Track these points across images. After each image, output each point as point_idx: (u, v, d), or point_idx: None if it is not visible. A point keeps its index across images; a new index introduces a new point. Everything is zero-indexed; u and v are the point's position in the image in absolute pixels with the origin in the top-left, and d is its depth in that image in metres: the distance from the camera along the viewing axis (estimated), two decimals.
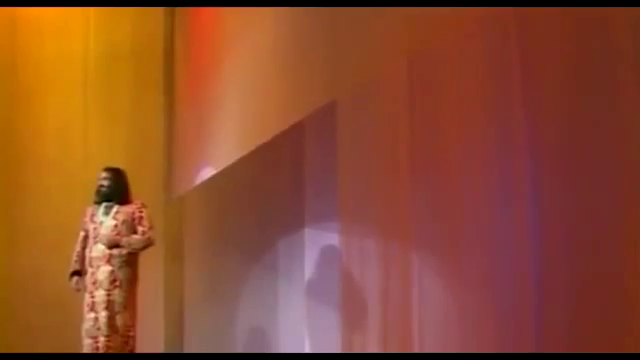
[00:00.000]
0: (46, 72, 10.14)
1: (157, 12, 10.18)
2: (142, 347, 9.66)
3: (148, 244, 8.12)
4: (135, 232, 8.06)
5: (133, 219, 8.08)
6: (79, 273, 8.07)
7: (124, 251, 7.98)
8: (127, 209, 8.12)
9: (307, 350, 9.04)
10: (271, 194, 9.48)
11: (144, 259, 9.84)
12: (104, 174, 8.28)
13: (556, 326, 4.02)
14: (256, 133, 7.55)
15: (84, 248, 8.08)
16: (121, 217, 8.06)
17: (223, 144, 8.44)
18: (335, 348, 8.86)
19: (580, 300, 3.77)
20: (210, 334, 9.81)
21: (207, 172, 8.91)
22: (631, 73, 3.41)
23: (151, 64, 10.19)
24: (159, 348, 9.86)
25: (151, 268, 9.93)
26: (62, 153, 10.00)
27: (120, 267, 7.95)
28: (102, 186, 8.19)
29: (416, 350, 5.96)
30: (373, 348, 8.05)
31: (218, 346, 9.72)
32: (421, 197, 5.05)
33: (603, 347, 3.64)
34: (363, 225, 6.21)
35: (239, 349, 9.63)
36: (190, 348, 9.90)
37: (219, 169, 8.60)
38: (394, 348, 6.93)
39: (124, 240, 7.99)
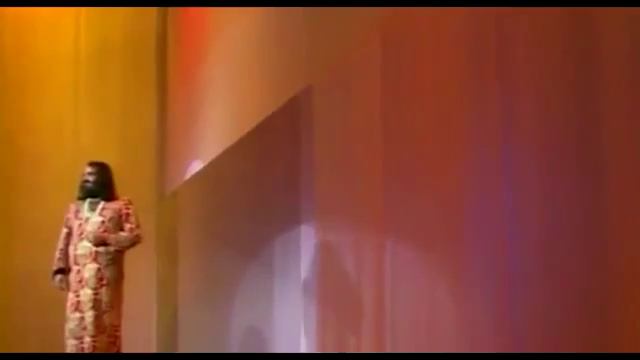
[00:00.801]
0: (37, 70, 9.89)
1: (149, 9, 9.94)
2: (134, 347, 9.39)
3: (136, 242, 7.78)
4: (122, 229, 7.71)
5: (120, 216, 7.73)
6: (63, 271, 7.73)
7: (111, 249, 7.61)
8: (114, 205, 7.78)
9: (303, 349, 8.85)
10: (265, 188, 9.24)
11: (136, 257, 9.57)
12: (89, 169, 7.93)
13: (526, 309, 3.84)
14: (240, 123, 7.27)
15: (67, 245, 7.68)
16: (108, 214, 7.72)
17: (210, 137, 8.17)
18: (331, 347, 8.62)
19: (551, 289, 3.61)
20: (205, 333, 9.52)
21: (196, 166, 8.63)
22: (611, 67, 3.19)
23: (143, 61, 9.95)
24: (151, 348, 9.58)
25: (143, 266, 9.69)
26: (54, 151, 9.72)
27: (107, 265, 7.59)
28: (87, 181, 7.84)
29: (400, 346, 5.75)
30: (366, 345, 7.86)
31: (213, 346, 9.44)
32: (395, 187, 4.80)
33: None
34: (338, 217, 5.91)
35: (234, 349, 9.36)
36: (184, 348, 9.62)
37: (206, 162, 8.33)
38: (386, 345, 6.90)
39: (112, 237, 7.64)
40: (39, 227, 9.62)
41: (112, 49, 9.91)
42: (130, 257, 9.49)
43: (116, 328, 7.62)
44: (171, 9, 9.71)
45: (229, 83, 7.67)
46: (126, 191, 9.58)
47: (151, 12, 9.92)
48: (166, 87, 9.84)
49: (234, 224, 9.41)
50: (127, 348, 9.27)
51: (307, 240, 8.97)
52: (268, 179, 9.23)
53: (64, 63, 9.87)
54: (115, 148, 9.73)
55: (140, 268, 9.64)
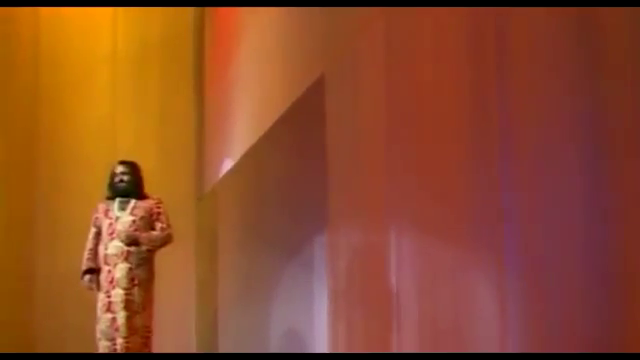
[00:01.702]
0: (75, 71, 9.73)
1: (186, 8, 9.76)
2: (173, 348, 9.20)
3: (167, 241, 7.53)
4: (153, 228, 7.50)
5: (151, 215, 7.50)
6: (92, 271, 7.51)
7: (143, 248, 7.38)
8: (145, 204, 7.54)
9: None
10: (303, 185, 9.06)
11: (175, 257, 9.40)
12: (121, 168, 7.69)
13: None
14: (265, 118, 7.06)
15: (97, 245, 7.42)
16: (139, 213, 7.49)
17: (240, 134, 7.97)
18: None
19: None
20: (245, 333, 9.31)
21: (228, 164, 8.43)
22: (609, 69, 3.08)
23: (180, 60, 9.74)
24: (191, 349, 9.38)
25: (182, 267, 9.50)
26: (94, 151, 9.51)
27: (138, 265, 7.35)
28: (122, 181, 7.61)
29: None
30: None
31: (253, 346, 9.23)
32: (399, 178, 4.58)
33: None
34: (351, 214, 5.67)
35: (274, 349, 9.16)
36: (225, 348, 9.40)
37: (236, 159, 8.14)
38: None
39: (144, 236, 7.40)
40: (80, 227, 9.46)
41: (150, 49, 9.70)
42: (169, 258, 9.33)
43: (148, 329, 7.39)
44: (208, 8, 9.51)
45: (254, 78, 7.46)
46: (164, 191, 9.40)
47: (188, 11, 9.72)
48: (203, 86, 9.63)
49: (274, 223, 9.20)
50: (167, 349, 9.08)
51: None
52: (304, 175, 9.04)
53: (102, 64, 9.68)
54: (153, 148, 9.54)
55: (179, 269, 9.47)
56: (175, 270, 9.36)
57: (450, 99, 4.07)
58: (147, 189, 8.67)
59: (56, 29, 9.78)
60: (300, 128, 7.75)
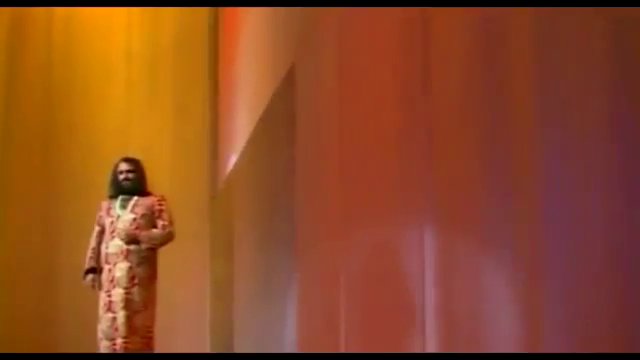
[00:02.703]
0: (91, 71, 9.60)
1: (201, 10, 9.59)
2: (187, 348, 9.03)
3: (168, 239, 7.29)
4: (155, 226, 7.32)
5: (153, 212, 7.27)
6: (95, 270, 7.33)
7: (143, 247, 7.17)
8: (146, 202, 7.32)
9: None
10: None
11: (190, 256, 9.23)
12: (125, 166, 7.46)
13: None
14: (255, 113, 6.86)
15: (99, 244, 7.23)
16: (140, 210, 7.28)
17: (240, 130, 7.79)
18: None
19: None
20: (261, 333, 9.09)
21: (232, 161, 8.23)
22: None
23: (194, 60, 9.56)
24: (205, 348, 9.17)
25: (197, 266, 9.32)
26: (109, 150, 9.36)
27: (139, 264, 7.13)
28: (127, 179, 7.41)
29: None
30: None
31: (269, 345, 9.01)
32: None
33: None
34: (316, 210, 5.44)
35: (289, 349, 8.95)
36: (240, 348, 9.20)
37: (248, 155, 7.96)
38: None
39: (143, 235, 7.19)
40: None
41: (164, 49, 9.53)
42: (183, 257, 9.18)
43: (149, 329, 7.16)
44: (221, 8, 9.33)
45: (246, 73, 7.29)
46: (179, 189, 9.25)
47: (202, 11, 9.54)
48: (217, 85, 9.45)
49: (288, 221, 8.97)
50: (180, 348, 8.91)
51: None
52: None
53: (116, 64, 9.54)
54: (167, 147, 9.39)
55: (194, 267, 9.29)
56: (189, 269, 9.19)
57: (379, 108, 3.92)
58: (161, 187, 8.51)
59: (70, 30, 9.66)
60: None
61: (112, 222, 7.23)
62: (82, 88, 9.58)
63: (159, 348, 8.21)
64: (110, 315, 7.10)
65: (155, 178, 8.89)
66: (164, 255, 7.83)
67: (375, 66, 4.21)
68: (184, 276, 9.17)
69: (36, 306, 9.37)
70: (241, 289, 9.24)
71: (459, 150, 3.67)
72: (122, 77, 9.59)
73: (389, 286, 5.80)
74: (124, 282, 7.09)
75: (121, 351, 7.06)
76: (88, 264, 7.30)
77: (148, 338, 7.16)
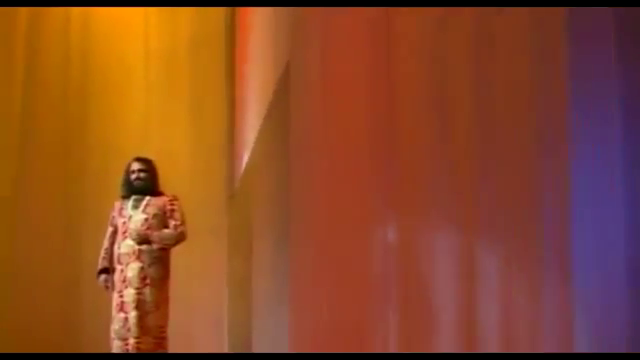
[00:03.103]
0: (108, 71, 9.60)
1: (217, 9, 9.56)
2: (205, 348, 9.00)
3: (180, 239, 7.26)
4: (166, 226, 7.30)
5: (164, 212, 7.24)
6: (107, 271, 7.28)
7: (155, 247, 7.15)
8: (158, 202, 7.29)
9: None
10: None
11: (208, 255, 9.21)
12: (138, 165, 7.43)
13: None
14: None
15: (112, 244, 7.19)
16: (152, 210, 7.25)
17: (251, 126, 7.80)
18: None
19: None
20: (280, 332, 9.04)
21: (245, 157, 8.22)
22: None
23: (212, 60, 9.54)
24: (223, 348, 9.14)
25: (215, 265, 9.29)
26: (126, 151, 9.36)
27: (150, 264, 7.10)
28: (139, 179, 7.36)
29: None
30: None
31: (287, 345, 8.96)
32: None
33: None
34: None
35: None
36: (259, 348, 9.16)
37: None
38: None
39: (155, 235, 7.16)
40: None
41: (181, 48, 9.53)
42: (202, 256, 9.17)
43: (162, 329, 7.12)
44: (237, 7, 9.30)
45: (255, 72, 7.27)
46: (197, 190, 9.25)
47: (219, 11, 9.51)
48: (233, 84, 9.43)
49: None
50: (198, 348, 8.89)
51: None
52: None
53: (134, 64, 9.52)
54: (185, 146, 9.38)
55: (212, 267, 9.26)
56: (208, 268, 9.17)
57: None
58: (180, 186, 8.50)
59: (88, 30, 9.66)
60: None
61: (124, 222, 7.22)
62: (100, 88, 9.59)
63: (176, 348, 8.18)
64: (122, 315, 7.08)
65: (173, 177, 8.91)
66: (182, 254, 7.84)
67: (350, 64, 4.22)
68: (202, 275, 9.16)
69: (58, 308, 9.38)
70: (260, 288, 9.21)
71: (419, 146, 3.65)
72: (140, 77, 9.59)
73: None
74: (136, 282, 7.07)
75: (133, 351, 7.03)
76: (101, 264, 7.30)
77: (161, 338, 7.13)
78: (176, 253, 7.36)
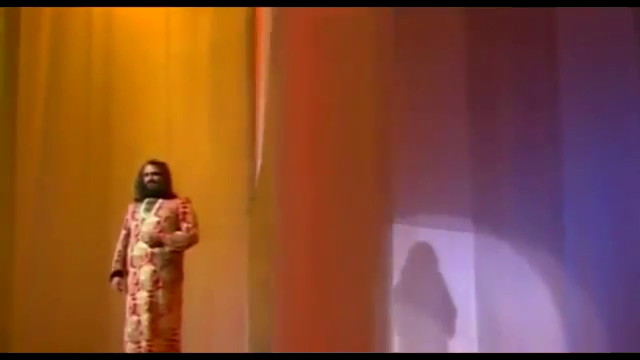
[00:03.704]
0: (130, 73, 9.57)
1: (238, 11, 9.49)
2: (226, 350, 8.92)
3: (192, 242, 7.22)
4: (179, 229, 7.27)
5: (177, 215, 7.21)
6: (120, 274, 7.28)
7: (167, 249, 7.14)
8: (170, 204, 7.28)
9: (396, 349, 8.35)
10: (354, 183, 8.71)
11: (229, 258, 9.13)
12: (151, 168, 7.43)
13: None
14: None
15: (126, 247, 7.20)
16: (164, 213, 7.24)
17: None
18: (425, 347, 8.10)
19: None
20: None
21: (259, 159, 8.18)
22: None
23: (233, 62, 9.48)
24: (244, 350, 9.06)
25: (236, 267, 9.21)
26: (148, 153, 9.34)
27: (163, 267, 7.09)
28: (152, 181, 7.36)
29: None
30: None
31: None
32: None
33: None
34: None
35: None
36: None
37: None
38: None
39: (167, 238, 7.14)
40: None
41: (202, 51, 9.46)
42: (223, 259, 9.11)
43: (174, 332, 7.10)
44: (257, 8, 9.21)
45: (263, 72, 7.22)
46: (218, 192, 9.19)
47: (239, 13, 9.45)
48: (255, 86, 9.35)
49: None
50: (220, 350, 8.83)
51: (400, 240, 8.41)
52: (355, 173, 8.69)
53: (155, 66, 9.49)
54: (207, 149, 9.33)
55: (233, 270, 9.19)
56: (229, 271, 9.10)
57: None
58: (200, 190, 8.46)
59: (110, 33, 9.66)
60: None
61: (137, 225, 7.23)
62: (123, 89, 9.57)
63: (197, 350, 8.15)
64: (135, 318, 7.08)
65: (195, 178, 8.87)
66: (202, 257, 7.79)
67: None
68: (224, 278, 9.09)
69: (85, 310, 9.35)
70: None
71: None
72: (162, 78, 9.56)
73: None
74: (148, 285, 7.07)
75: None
76: (114, 267, 7.32)
77: (174, 341, 7.11)
78: (184, 256, 7.32)
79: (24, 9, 9.60)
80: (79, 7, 9.65)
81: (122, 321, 9.11)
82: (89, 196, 9.50)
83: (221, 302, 9.08)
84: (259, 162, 8.23)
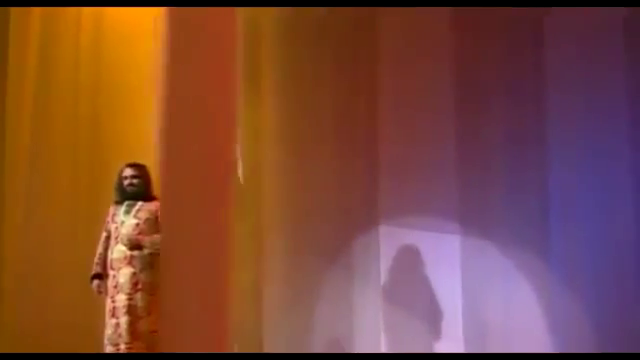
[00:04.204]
0: (119, 73, 9.55)
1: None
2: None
3: None
4: (158, 231, 7.23)
5: (156, 217, 7.20)
6: (100, 276, 7.26)
7: (146, 252, 7.10)
8: (150, 207, 7.23)
9: (383, 349, 8.40)
10: (343, 185, 8.71)
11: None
12: (130, 171, 7.39)
13: None
14: None
15: (106, 249, 7.18)
16: (143, 215, 7.20)
17: None
18: (411, 347, 8.09)
19: None
20: (290, 338, 8.96)
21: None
22: None
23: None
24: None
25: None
26: (136, 155, 9.30)
27: (142, 269, 7.03)
28: (132, 185, 7.33)
29: None
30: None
31: (296, 348, 8.87)
32: None
33: None
34: None
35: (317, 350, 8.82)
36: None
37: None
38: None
39: (146, 240, 7.10)
40: None
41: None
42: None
43: (154, 335, 7.09)
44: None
45: None
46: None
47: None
48: (238, 81, 9.28)
49: (314, 226, 8.82)
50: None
51: (386, 242, 8.42)
52: (346, 174, 8.69)
53: (144, 66, 9.47)
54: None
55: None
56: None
57: None
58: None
59: (99, 31, 9.63)
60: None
61: (116, 228, 7.22)
62: (111, 91, 9.54)
63: None
64: (114, 321, 7.08)
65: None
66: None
67: None
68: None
69: (74, 311, 9.30)
70: (270, 295, 9.08)
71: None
72: (150, 80, 9.49)
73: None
74: (127, 288, 7.05)
75: None
76: (94, 270, 7.33)
77: (153, 343, 7.05)
78: None
79: (13, 9, 9.58)
80: (69, 7, 9.62)
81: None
82: (78, 196, 9.47)
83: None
84: (240, 165, 8.22)
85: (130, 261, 7.08)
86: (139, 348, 7.01)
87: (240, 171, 8.60)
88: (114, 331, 7.05)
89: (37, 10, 9.64)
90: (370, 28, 8.77)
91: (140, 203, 7.26)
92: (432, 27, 8.54)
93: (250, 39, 9.29)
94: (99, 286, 7.25)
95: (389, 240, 8.22)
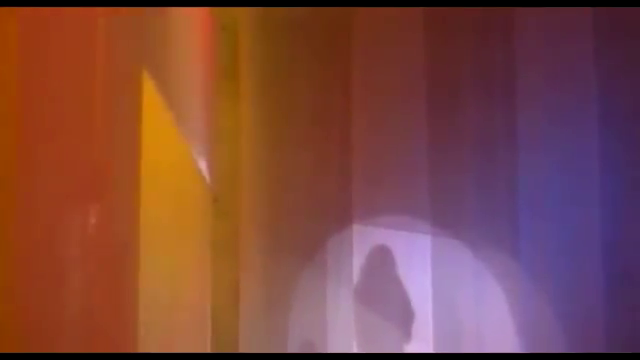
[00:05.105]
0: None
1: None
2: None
3: None
4: None
5: None
6: None
7: None
8: None
9: (355, 350, 8.46)
10: (319, 184, 8.76)
11: (192, 260, 9.11)
12: None
13: None
14: None
15: None
16: None
17: None
18: (382, 349, 8.14)
19: None
20: (266, 340, 8.99)
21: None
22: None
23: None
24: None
25: (199, 272, 9.19)
26: None
27: None
28: None
29: None
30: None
31: (272, 348, 8.90)
32: None
33: None
34: None
35: (293, 350, 8.84)
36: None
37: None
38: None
39: None
40: None
41: None
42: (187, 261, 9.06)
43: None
44: None
45: None
46: (182, 194, 9.16)
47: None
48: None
49: (290, 224, 8.84)
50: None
51: (360, 241, 8.46)
52: (318, 174, 8.72)
53: None
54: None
55: (196, 273, 9.16)
56: (192, 274, 9.07)
57: None
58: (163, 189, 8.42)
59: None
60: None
61: None
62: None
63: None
64: None
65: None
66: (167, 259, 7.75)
67: None
68: (186, 281, 9.08)
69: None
70: (245, 293, 9.11)
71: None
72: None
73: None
74: None
75: None
76: None
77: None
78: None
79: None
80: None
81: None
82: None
83: (184, 307, 9.07)
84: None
85: None
86: None
87: (208, 173, 8.64)
88: None
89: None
90: (345, 27, 8.80)
91: None
92: (405, 27, 8.57)
93: (227, 39, 9.34)
94: None
95: (362, 238, 8.22)
